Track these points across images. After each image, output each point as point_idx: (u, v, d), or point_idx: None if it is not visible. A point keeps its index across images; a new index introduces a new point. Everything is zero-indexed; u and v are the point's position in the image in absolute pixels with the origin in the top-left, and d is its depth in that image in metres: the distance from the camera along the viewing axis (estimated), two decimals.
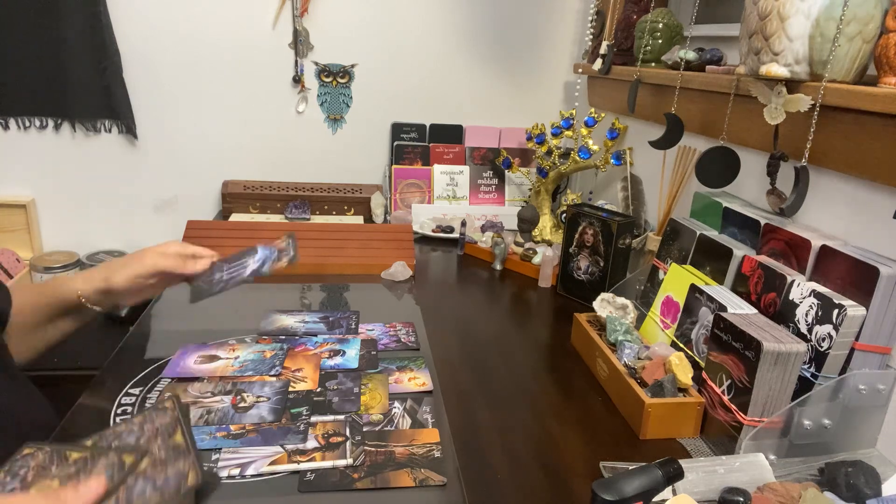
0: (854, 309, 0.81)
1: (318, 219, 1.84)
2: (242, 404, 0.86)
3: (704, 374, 0.91)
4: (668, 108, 1.27)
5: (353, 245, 1.44)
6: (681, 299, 1.06)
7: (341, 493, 0.72)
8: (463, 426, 0.89)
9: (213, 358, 0.98)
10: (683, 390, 0.91)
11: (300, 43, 1.85)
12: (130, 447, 0.65)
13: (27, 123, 1.76)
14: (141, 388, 0.89)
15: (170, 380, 0.91)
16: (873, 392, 0.83)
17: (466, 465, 0.80)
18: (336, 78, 1.92)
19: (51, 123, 1.78)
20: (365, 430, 0.83)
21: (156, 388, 0.89)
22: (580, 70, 1.84)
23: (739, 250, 1.04)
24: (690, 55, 1.27)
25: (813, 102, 0.91)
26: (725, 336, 0.86)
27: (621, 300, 1.13)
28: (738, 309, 0.93)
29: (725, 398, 0.86)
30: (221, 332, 1.06)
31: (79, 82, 1.73)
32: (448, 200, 1.91)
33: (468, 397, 0.97)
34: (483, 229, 1.69)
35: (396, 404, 0.89)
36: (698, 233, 1.13)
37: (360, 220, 1.87)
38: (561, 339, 1.19)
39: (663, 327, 1.09)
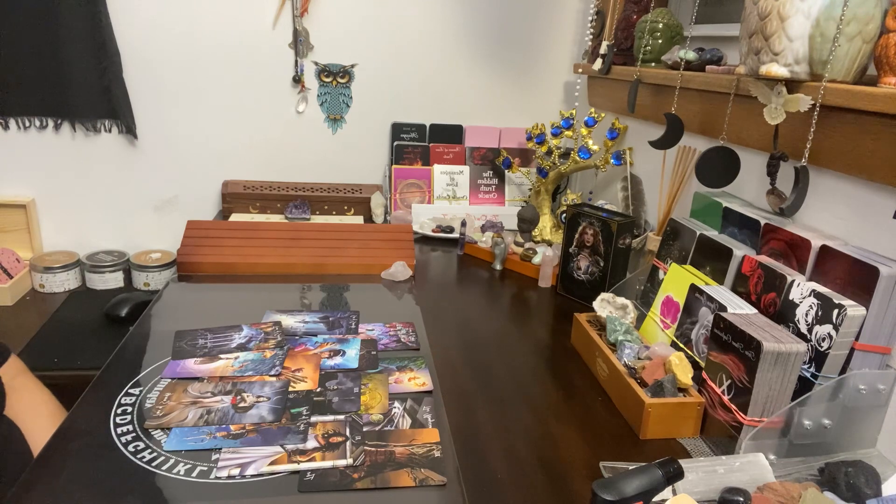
0: (854, 309, 0.81)
1: (318, 219, 1.84)
2: (242, 404, 0.86)
3: (704, 374, 0.91)
4: (668, 108, 1.27)
5: (353, 245, 1.44)
6: (681, 299, 1.06)
7: (341, 493, 0.72)
8: (463, 426, 0.89)
9: (214, 358, 0.98)
10: (683, 390, 0.91)
11: (300, 43, 1.85)
12: None
13: (27, 123, 1.76)
14: (141, 389, 0.89)
15: (169, 380, 0.91)
16: (873, 392, 0.83)
17: (466, 465, 0.80)
18: (336, 78, 1.92)
19: (51, 123, 1.78)
20: (365, 430, 0.83)
21: (156, 388, 0.89)
22: (580, 70, 1.84)
23: (739, 250, 1.04)
24: (690, 55, 1.27)
25: (813, 102, 0.91)
26: (725, 336, 0.86)
27: (621, 300, 1.13)
28: (738, 309, 0.93)
29: (725, 398, 0.86)
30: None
31: (79, 82, 1.73)
32: (448, 200, 1.91)
33: (468, 397, 0.97)
34: (483, 229, 1.69)
35: (396, 404, 0.89)
36: (698, 233, 1.13)
37: (360, 220, 1.87)
38: (561, 339, 1.19)
39: (663, 327, 1.09)
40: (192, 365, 0.95)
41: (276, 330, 1.08)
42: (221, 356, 0.98)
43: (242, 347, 1.01)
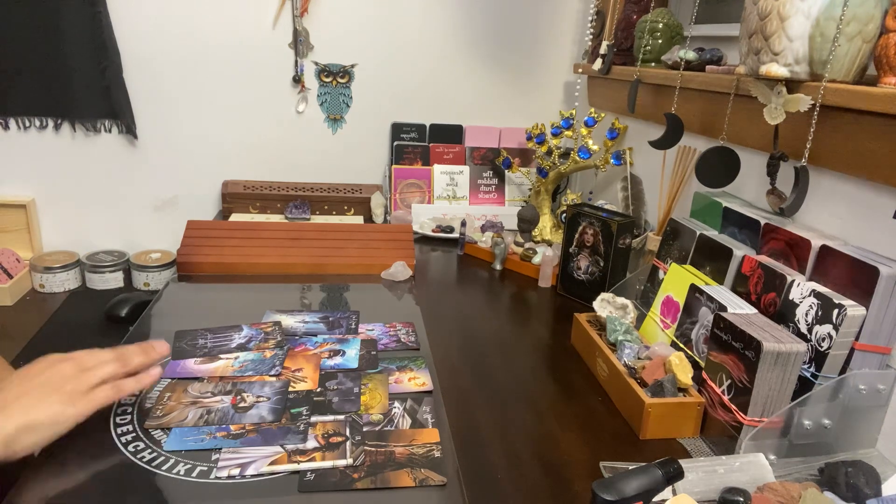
0: (854, 309, 0.81)
1: (318, 219, 1.84)
2: (242, 404, 0.86)
3: (704, 374, 0.91)
4: (668, 108, 1.27)
5: (353, 245, 1.44)
6: (681, 299, 1.06)
7: (341, 493, 0.72)
8: (463, 426, 0.89)
9: (214, 358, 0.98)
10: (683, 390, 0.91)
11: (300, 43, 1.85)
12: None
13: (27, 123, 1.76)
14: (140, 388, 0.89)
15: (169, 380, 0.91)
16: (873, 392, 0.83)
17: (466, 465, 0.80)
18: (336, 78, 1.92)
19: (51, 123, 1.78)
20: (365, 430, 0.83)
21: (155, 388, 0.89)
22: (580, 70, 1.84)
23: (739, 250, 1.04)
24: (690, 55, 1.27)
25: (813, 102, 0.91)
26: (725, 336, 0.86)
27: (621, 300, 1.13)
28: (738, 309, 0.93)
29: (725, 398, 0.86)
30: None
31: (79, 82, 1.73)
32: (448, 200, 1.91)
33: (468, 397, 0.97)
34: (483, 229, 1.69)
35: (396, 404, 0.89)
36: (698, 233, 1.13)
37: (360, 220, 1.87)
38: (561, 339, 1.19)
39: (663, 327, 1.09)
40: (193, 365, 0.95)
41: (276, 330, 1.08)
42: (221, 356, 0.98)
43: (242, 347, 1.01)
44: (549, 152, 1.70)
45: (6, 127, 1.76)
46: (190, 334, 1.04)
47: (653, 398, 0.89)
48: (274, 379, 0.93)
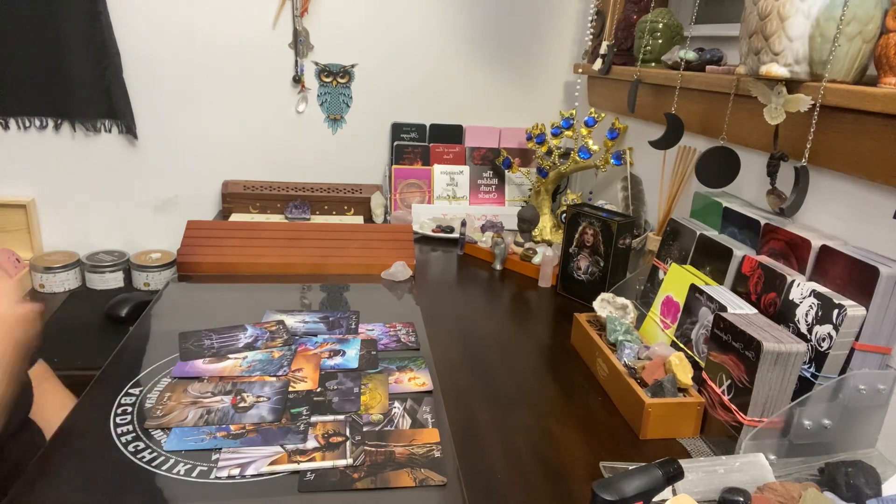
0: (854, 309, 0.81)
1: (318, 219, 1.84)
2: (242, 404, 0.86)
3: (704, 374, 0.91)
4: (668, 108, 1.27)
5: (353, 245, 1.44)
6: (681, 299, 1.06)
7: (341, 493, 0.72)
8: (463, 426, 0.89)
9: (222, 358, 0.97)
10: (683, 390, 0.91)
11: (300, 43, 1.85)
12: None
13: (27, 123, 1.76)
14: (141, 388, 0.89)
15: (170, 379, 0.91)
16: (873, 392, 0.83)
17: (466, 465, 0.80)
18: (336, 78, 1.92)
19: (51, 123, 1.78)
20: (365, 430, 0.83)
21: (156, 388, 0.89)
22: (580, 70, 1.84)
23: (739, 250, 1.04)
24: (690, 55, 1.27)
25: (813, 102, 0.91)
26: (725, 336, 0.86)
27: (621, 300, 1.13)
28: (738, 309, 0.93)
29: (725, 398, 0.86)
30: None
31: (79, 82, 1.73)
32: (448, 200, 1.91)
33: (468, 397, 0.97)
34: (483, 229, 1.69)
35: (396, 404, 0.89)
36: (698, 233, 1.13)
37: (360, 220, 1.87)
38: (561, 339, 1.19)
39: (663, 327, 1.09)
40: (201, 365, 0.95)
41: (282, 328, 1.07)
42: (230, 356, 0.98)
43: (250, 347, 1.01)
44: (549, 152, 1.70)
45: (6, 127, 1.76)
46: (195, 335, 1.04)
47: (653, 398, 0.89)
48: (274, 379, 0.93)
